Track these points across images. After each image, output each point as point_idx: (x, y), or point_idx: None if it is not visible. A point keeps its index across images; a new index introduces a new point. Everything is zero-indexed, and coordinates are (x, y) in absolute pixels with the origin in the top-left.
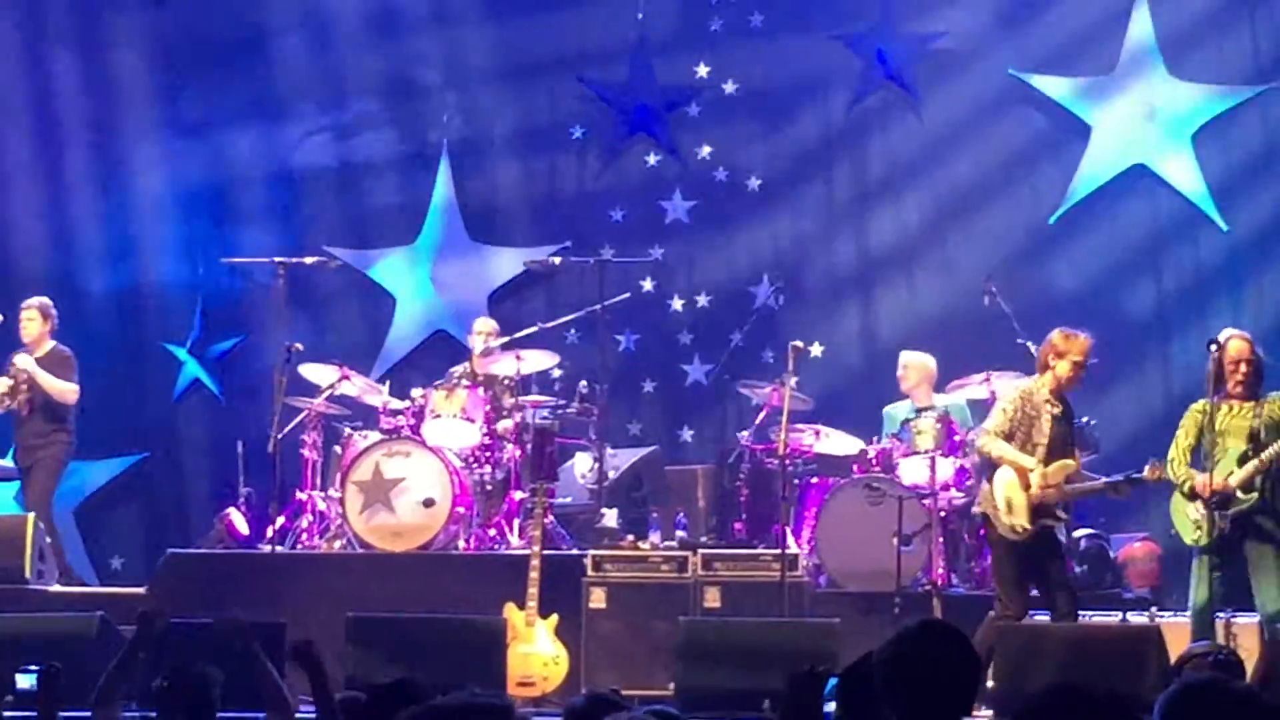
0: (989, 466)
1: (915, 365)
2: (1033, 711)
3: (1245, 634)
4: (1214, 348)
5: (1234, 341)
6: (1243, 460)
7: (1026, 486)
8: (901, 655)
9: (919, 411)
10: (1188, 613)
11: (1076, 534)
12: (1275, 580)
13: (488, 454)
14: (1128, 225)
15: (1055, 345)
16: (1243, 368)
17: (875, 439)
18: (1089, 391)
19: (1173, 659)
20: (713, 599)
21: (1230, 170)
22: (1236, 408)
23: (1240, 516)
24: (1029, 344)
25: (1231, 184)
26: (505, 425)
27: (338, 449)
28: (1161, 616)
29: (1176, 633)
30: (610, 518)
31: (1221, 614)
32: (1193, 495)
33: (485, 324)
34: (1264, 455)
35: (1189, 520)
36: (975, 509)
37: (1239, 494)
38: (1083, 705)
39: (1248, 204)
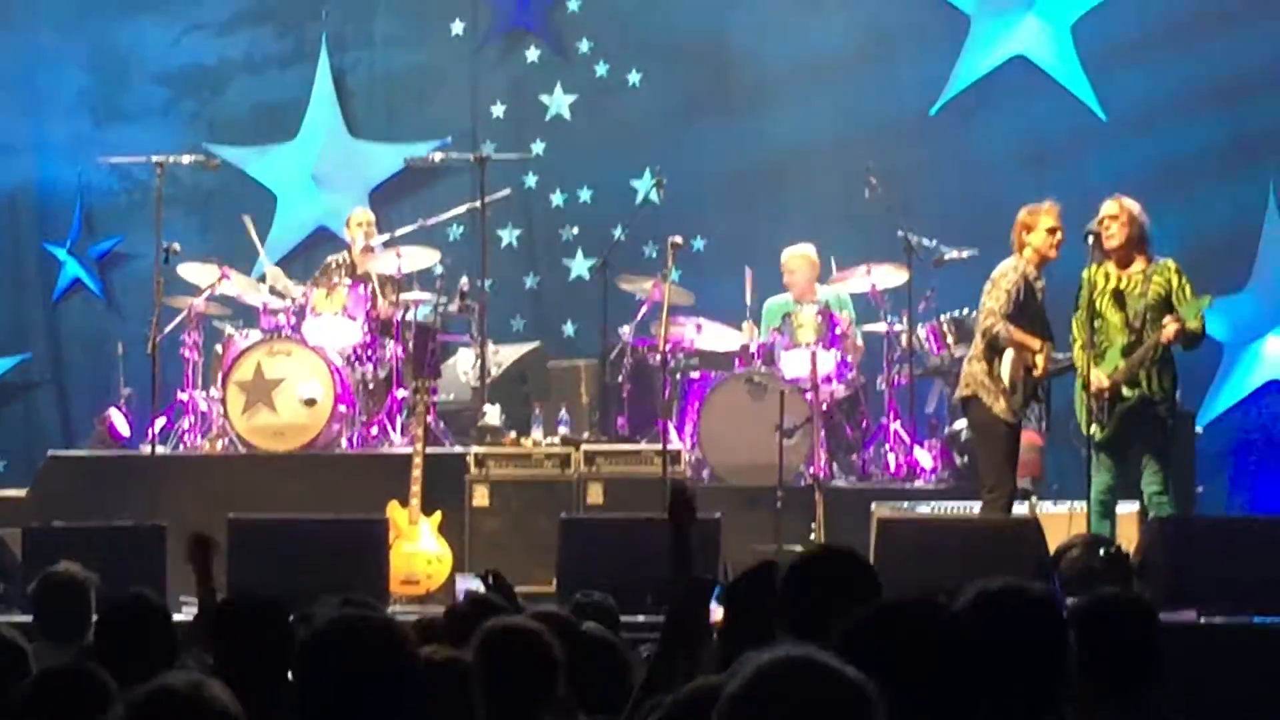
0: (991, 349)
1: (800, 261)
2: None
3: (1125, 522)
4: (1090, 238)
5: (1106, 203)
6: (1126, 354)
7: (1029, 368)
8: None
9: (799, 304)
10: (1068, 503)
11: (956, 425)
12: (1156, 464)
13: (369, 352)
14: (1008, 116)
15: (1022, 221)
16: (1108, 225)
17: (756, 334)
18: (974, 282)
19: (1051, 550)
20: (595, 495)
21: (1109, 60)
22: (1124, 278)
23: (1128, 410)
24: (909, 235)
25: (1111, 74)
26: (385, 312)
27: (218, 349)
28: (1041, 507)
29: (1055, 523)
30: (493, 415)
31: (1121, 505)
32: (1085, 388)
33: (363, 214)
34: (1134, 356)
35: (1086, 412)
36: (962, 392)
37: (1124, 390)
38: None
39: (1127, 94)
